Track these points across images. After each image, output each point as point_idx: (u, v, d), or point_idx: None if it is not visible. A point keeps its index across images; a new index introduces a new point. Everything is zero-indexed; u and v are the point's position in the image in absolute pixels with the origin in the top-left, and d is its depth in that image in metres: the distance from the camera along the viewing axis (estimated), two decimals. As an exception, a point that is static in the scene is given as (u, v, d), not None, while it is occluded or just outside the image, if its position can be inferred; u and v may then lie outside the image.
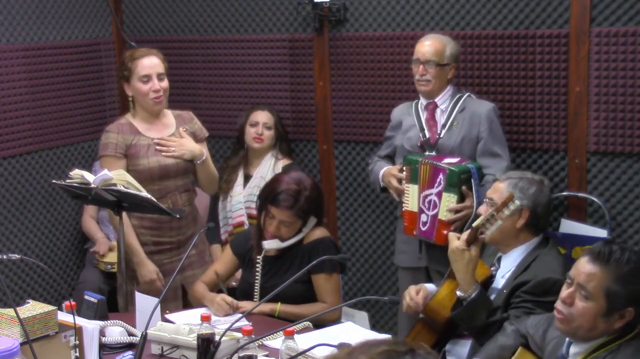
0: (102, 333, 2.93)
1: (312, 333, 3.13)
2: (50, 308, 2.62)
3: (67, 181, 3.54)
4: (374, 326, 4.67)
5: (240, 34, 4.95)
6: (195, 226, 3.99)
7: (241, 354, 2.71)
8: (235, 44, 4.98)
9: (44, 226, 4.82)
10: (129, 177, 3.49)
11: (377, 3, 4.53)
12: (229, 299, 3.36)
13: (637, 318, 2.51)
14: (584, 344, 2.55)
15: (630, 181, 4.00)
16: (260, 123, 4.57)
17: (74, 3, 4.97)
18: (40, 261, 4.71)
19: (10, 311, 2.52)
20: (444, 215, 3.73)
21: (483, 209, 3.22)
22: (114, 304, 3.82)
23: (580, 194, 4.09)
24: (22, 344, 2.33)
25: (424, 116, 3.98)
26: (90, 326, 2.74)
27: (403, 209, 3.90)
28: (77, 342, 2.64)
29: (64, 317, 2.67)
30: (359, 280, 4.83)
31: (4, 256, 2.49)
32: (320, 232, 3.52)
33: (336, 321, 3.43)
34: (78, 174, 3.50)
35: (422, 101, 4.02)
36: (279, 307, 3.37)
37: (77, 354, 2.64)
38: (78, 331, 2.65)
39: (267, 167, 4.53)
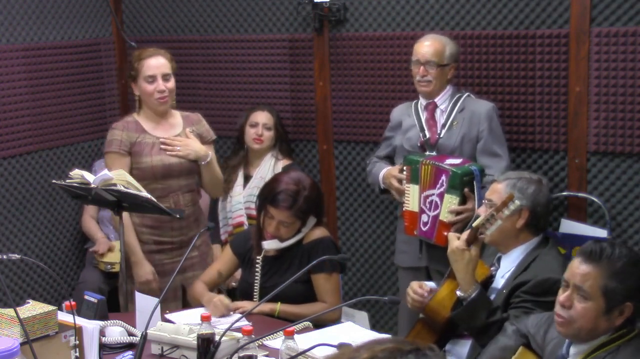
0: (102, 333, 2.93)
1: (312, 333, 3.13)
2: (50, 308, 2.63)
3: (67, 181, 3.54)
4: (374, 326, 4.67)
5: (240, 34, 4.96)
6: (198, 227, 3.99)
7: (241, 354, 2.71)
8: (235, 44, 4.98)
9: (44, 226, 4.82)
10: (129, 177, 3.49)
11: (377, 3, 4.53)
12: (227, 301, 3.35)
13: (635, 312, 2.52)
14: (583, 345, 2.56)
15: (630, 181, 4.00)
16: (260, 124, 4.57)
17: (74, 3, 4.97)
18: (40, 261, 4.71)
19: (10, 311, 2.52)
20: (445, 216, 3.72)
21: (482, 211, 3.21)
22: (114, 304, 3.82)
23: (580, 194, 4.09)
24: (22, 344, 2.34)
25: (423, 116, 3.98)
26: (90, 326, 2.74)
27: (404, 209, 3.90)
28: (77, 342, 2.64)
29: (64, 317, 2.67)
30: (359, 280, 4.83)
31: (4, 256, 2.49)
32: (320, 232, 3.51)
33: (336, 321, 3.43)
34: (78, 174, 3.50)
35: (422, 101, 4.01)
36: (278, 307, 3.37)
37: (77, 354, 2.64)
38: (78, 331, 2.65)
39: (267, 168, 4.53)
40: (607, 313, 2.50)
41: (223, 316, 3.28)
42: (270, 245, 3.48)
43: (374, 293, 4.75)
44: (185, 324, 3.01)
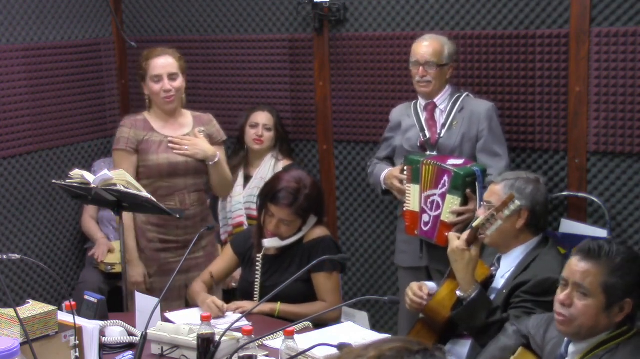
0: (102, 333, 2.93)
1: (312, 333, 3.13)
2: (50, 308, 2.63)
3: (67, 181, 3.55)
4: (374, 326, 4.67)
5: (240, 34, 4.95)
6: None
7: (241, 354, 2.71)
8: (235, 44, 4.98)
9: (44, 226, 4.82)
10: (129, 177, 3.50)
11: (377, 3, 4.53)
12: (220, 303, 3.34)
13: (635, 309, 2.53)
14: (582, 344, 2.56)
15: (630, 181, 4.00)
16: (260, 124, 4.57)
17: (74, 3, 4.97)
18: (40, 261, 4.71)
19: (10, 311, 2.52)
20: (446, 217, 3.72)
21: (481, 213, 3.20)
22: (114, 304, 3.82)
23: (580, 194, 4.09)
24: (22, 344, 2.34)
25: (423, 116, 3.98)
26: (90, 326, 2.74)
27: (404, 209, 3.90)
28: (77, 342, 2.64)
29: (64, 317, 2.67)
30: (359, 280, 4.83)
31: (4, 256, 2.49)
32: (320, 231, 3.51)
33: (336, 320, 3.43)
34: (78, 174, 3.51)
35: (421, 101, 4.01)
36: (278, 306, 3.37)
37: (77, 354, 2.64)
38: (78, 331, 2.65)
39: (268, 168, 4.53)
40: (607, 309, 2.51)
41: (218, 317, 3.25)
42: (270, 243, 3.48)
43: (374, 293, 4.75)
44: (185, 324, 3.01)
